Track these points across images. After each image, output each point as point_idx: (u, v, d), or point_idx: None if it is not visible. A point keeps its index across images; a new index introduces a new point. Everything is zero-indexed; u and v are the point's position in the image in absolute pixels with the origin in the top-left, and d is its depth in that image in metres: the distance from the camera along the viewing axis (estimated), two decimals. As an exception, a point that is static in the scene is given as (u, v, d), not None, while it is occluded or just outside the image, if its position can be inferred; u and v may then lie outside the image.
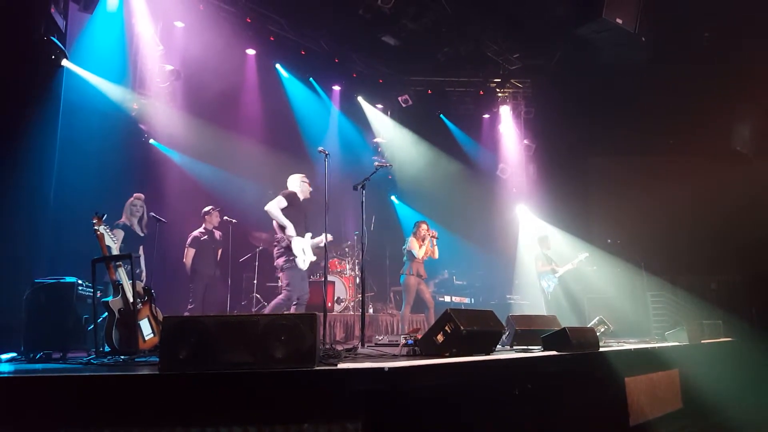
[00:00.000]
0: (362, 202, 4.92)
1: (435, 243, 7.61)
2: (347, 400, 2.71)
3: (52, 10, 5.93)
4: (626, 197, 8.56)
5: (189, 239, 7.20)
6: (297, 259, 5.71)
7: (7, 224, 5.10)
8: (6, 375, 3.05)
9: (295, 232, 5.72)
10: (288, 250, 5.73)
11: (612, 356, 4.55)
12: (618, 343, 5.94)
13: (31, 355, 4.33)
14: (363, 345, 4.49)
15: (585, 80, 9.46)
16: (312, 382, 2.77)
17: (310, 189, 6.21)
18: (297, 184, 6.15)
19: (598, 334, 5.59)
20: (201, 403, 2.67)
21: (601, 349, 4.59)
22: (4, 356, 4.27)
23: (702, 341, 6.13)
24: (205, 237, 7.28)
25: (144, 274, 6.30)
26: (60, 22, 6.12)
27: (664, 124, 8.88)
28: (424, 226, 7.68)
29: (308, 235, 5.91)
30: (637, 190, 8.59)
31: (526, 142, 11.11)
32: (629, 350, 4.91)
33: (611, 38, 7.93)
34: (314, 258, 5.92)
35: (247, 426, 2.62)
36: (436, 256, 7.64)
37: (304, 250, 5.78)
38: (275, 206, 5.75)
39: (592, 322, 6.45)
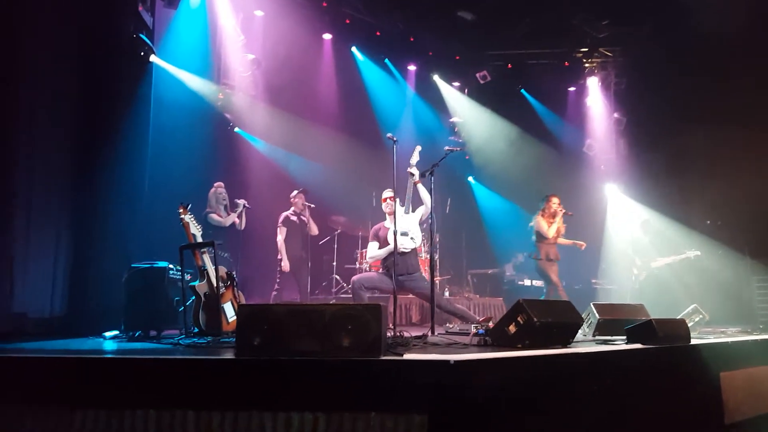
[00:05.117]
0: (431, 189, 4.84)
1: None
2: (413, 391, 2.71)
3: (140, 8, 6.27)
4: (729, 174, 7.74)
5: (281, 218, 7.38)
6: None
7: (111, 216, 5.56)
8: (106, 356, 3.36)
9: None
10: None
11: (704, 350, 4.19)
12: (715, 333, 5.48)
13: (131, 333, 4.75)
14: (433, 332, 4.46)
15: (683, 45, 8.62)
16: (378, 372, 2.79)
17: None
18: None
19: (692, 323, 5.22)
20: (274, 389, 2.78)
21: (693, 342, 4.25)
22: (108, 333, 4.71)
23: (815, 333, 5.51)
24: (295, 218, 7.47)
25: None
26: (147, 19, 6.45)
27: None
28: (555, 200, 6.85)
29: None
30: (741, 166, 7.74)
31: (616, 115, 10.37)
32: (725, 343, 4.51)
33: (712, -2, 7.14)
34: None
35: (317, 413, 2.70)
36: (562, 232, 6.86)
37: None
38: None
39: (686, 311, 6.01)
